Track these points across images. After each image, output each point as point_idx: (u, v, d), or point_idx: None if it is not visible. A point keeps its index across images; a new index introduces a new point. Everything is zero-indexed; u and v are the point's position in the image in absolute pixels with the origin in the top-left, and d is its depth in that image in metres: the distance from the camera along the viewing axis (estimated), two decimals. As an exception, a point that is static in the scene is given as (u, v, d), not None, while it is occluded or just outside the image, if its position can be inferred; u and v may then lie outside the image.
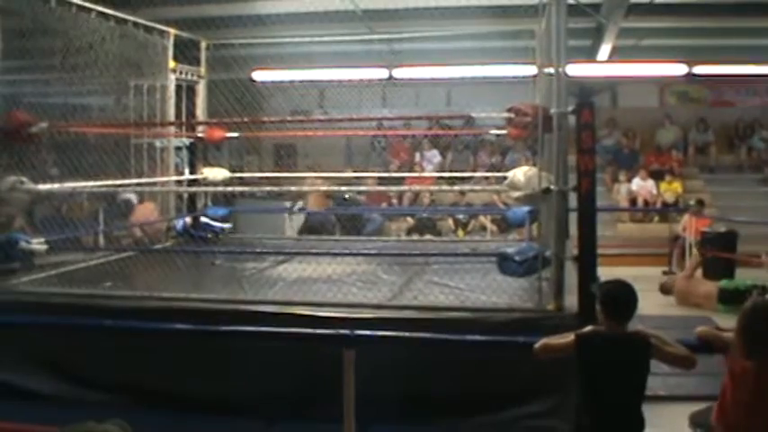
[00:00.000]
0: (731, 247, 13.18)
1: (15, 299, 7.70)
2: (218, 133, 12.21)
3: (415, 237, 15.97)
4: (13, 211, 8.57)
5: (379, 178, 15.86)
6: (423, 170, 17.93)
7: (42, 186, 8.54)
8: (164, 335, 6.55)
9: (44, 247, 8.39)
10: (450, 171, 17.33)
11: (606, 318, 4.47)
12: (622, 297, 4.51)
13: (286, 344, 6.30)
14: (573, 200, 6.78)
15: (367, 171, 15.93)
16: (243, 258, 10.43)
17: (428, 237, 15.96)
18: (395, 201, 17.81)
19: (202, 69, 12.15)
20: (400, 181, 16.46)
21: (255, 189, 13.39)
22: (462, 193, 16.40)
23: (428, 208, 17.33)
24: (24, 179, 8.20)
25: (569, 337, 4.51)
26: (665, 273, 13.90)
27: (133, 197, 10.83)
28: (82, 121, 10.14)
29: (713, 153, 19.03)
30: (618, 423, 4.38)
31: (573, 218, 6.97)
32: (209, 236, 11.72)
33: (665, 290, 11.72)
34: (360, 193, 16.35)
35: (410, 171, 17.85)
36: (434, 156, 18.55)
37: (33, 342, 7.17)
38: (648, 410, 4.45)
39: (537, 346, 4.62)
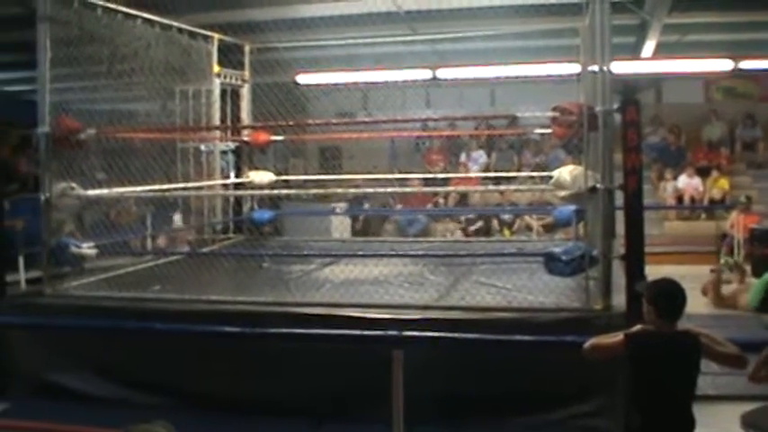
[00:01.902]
0: (781, 244, 13.03)
1: (66, 302, 7.85)
2: (263, 137, 12.26)
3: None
4: (64, 217, 8.67)
5: (425, 179, 15.81)
6: (468, 171, 17.86)
7: (91, 192, 8.66)
8: (210, 337, 6.61)
9: (94, 251, 8.49)
10: (496, 171, 17.27)
11: (656, 316, 4.42)
12: (672, 295, 4.46)
13: (334, 345, 6.33)
14: (619, 198, 6.74)
15: (411, 173, 15.83)
16: (290, 261, 10.48)
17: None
18: (441, 200, 17.76)
19: (246, 73, 12.24)
20: (446, 182, 16.41)
21: (301, 192, 13.41)
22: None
23: (473, 209, 17.28)
24: (74, 185, 8.32)
25: (618, 337, 4.46)
26: (712, 271, 13.75)
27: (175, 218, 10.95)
28: (129, 126, 10.25)
29: (761, 149, 18.73)
30: (668, 423, 4.33)
31: (620, 216, 6.92)
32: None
33: (706, 292, 11.61)
34: (404, 194, 16.34)
35: (454, 172, 17.77)
36: (480, 156, 18.50)
37: (83, 344, 7.29)
38: (699, 410, 4.40)
39: (586, 346, 4.57)
